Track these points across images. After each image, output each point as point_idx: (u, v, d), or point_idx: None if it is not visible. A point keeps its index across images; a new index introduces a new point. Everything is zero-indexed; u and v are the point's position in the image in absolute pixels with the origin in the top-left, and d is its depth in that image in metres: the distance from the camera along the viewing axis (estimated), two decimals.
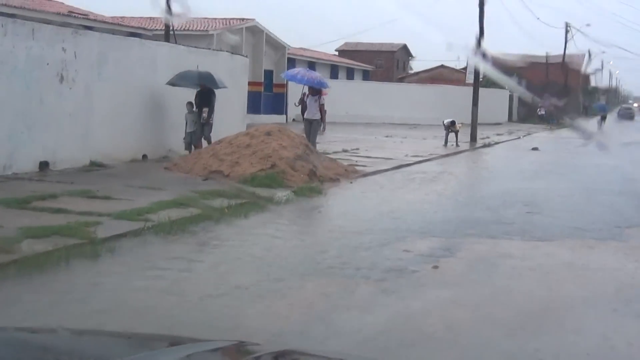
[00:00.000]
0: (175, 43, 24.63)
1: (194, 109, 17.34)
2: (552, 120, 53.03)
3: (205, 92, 17.33)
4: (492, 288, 7.33)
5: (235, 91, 21.45)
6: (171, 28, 28.36)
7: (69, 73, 14.57)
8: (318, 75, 19.26)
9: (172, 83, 17.02)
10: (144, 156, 17.07)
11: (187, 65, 18.08)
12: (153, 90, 17.09)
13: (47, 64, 14.00)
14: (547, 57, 68.52)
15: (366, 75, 63.01)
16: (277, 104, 42.16)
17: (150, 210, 10.52)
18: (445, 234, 9.99)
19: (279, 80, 43.02)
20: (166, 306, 6.19)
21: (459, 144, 28.45)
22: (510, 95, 61.33)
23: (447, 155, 24.29)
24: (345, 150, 22.89)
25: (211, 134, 17.39)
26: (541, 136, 41.05)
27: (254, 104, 39.84)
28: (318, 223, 10.90)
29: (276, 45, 42.41)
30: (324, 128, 35.65)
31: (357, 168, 17.87)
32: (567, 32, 59.80)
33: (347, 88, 48.46)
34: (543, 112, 58.32)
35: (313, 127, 18.36)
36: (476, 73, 33.16)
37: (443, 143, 28.15)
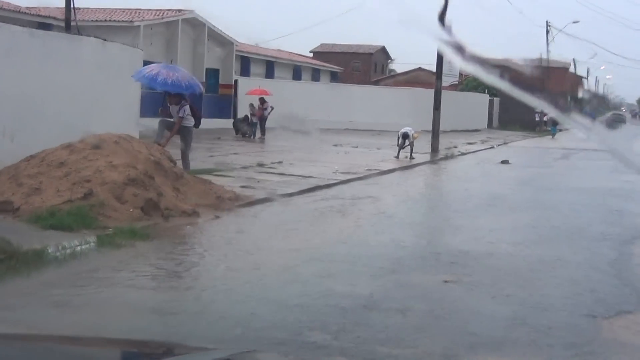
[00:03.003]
0: (78, 33, 20.02)
1: None
2: (553, 128, 47.89)
3: None
4: None
5: (115, 91, 16.65)
6: (73, 15, 23.65)
7: None
8: (187, 75, 14.11)
9: None
10: None
11: (25, 51, 13.47)
12: None
13: None
14: (531, 60, 63.87)
15: (335, 77, 58.32)
16: (224, 107, 37.35)
17: None
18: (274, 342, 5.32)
19: (227, 80, 38.46)
20: None
21: (414, 155, 23.83)
22: (490, 100, 56.76)
23: (390, 171, 19.62)
24: (260, 165, 18.24)
25: None
26: (519, 146, 36.44)
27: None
28: (51, 318, 6.06)
29: (222, 41, 37.60)
30: (264, 133, 31.31)
31: (250, 192, 13.23)
32: (547, 32, 55.10)
33: (307, 90, 43.77)
34: (540, 118, 53.46)
35: (183, 137, 13.57)
36: (438, 71, 28.49)
37: (395, 154, 23.58)
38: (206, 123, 33.92)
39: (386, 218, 11.79)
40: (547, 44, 55.71)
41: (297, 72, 51.51)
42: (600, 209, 13.58)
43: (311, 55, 75.66)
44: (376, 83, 67.66)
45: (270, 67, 47.58)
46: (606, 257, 9.06)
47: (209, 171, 15.30)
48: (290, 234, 10.09)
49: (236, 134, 30.47)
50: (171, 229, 9.88)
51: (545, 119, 50.79)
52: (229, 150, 22.10)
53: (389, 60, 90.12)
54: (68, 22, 23.88)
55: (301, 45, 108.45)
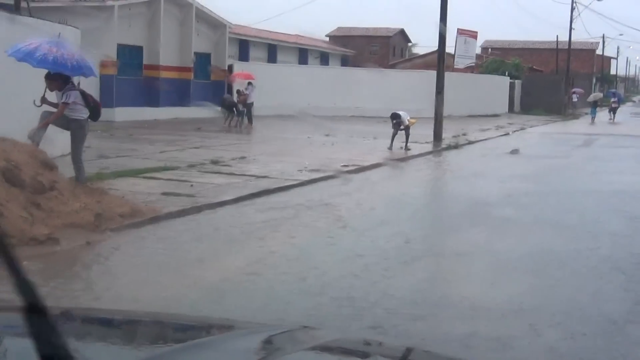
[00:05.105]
0: (30, 15, 17.31)
1: None
2: (593, 110, 44.55)
3: None
4: None
5: (29, 77, 13.77)
6: None
7: None
8: (75, 53, 10.93)
9: None
10: None
11: None
12: None
13: None
14: (557, 42, 60.11)
15: (345, 61, 55.14)
16: (216, 94, 34.39)
17: None
18: None
19: (220, 66, 35.53)
20: None
21: (410, 146, 20.68)
22: (511, 83, 53.20)
23: (373, 167, 16.56)
24: (214, 162, 15.32)
25: None
26: (538, 132, 33.13)
27: (181, 94, 32.27)
28: None
29: (213, 23, 34.64)
30: (251, 122, 28.28)
31: (166, 202, 10.34)
32: (572, 9, 51.42)
33: (310, 75, 40.58)
34: (577, 99, 50.11)
35: (73, 133, 10.52)
36: (440, 53, 25.28)
37: (388, 145, 20.46)
38: (194, 112, 31.36)
39: (322, 243, 8.69)
40: (571, 21, 52.03)
41: (303, 56, 48.46)
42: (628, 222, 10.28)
43: (327, 39, 72.76)
44: (392, 67, 64.46)
45: (272, 50, 44.59)
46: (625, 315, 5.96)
47: (132, 173, 12.42)
48: (164, 271, 7.12)
49: (225, 117, 27.90)
50: None
51: (589, 99, 47.44)
52: (193, 144, 19.20)
53: (409, 44, 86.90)
54: (17, 2, 21.13)
55: (316, 29, 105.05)
